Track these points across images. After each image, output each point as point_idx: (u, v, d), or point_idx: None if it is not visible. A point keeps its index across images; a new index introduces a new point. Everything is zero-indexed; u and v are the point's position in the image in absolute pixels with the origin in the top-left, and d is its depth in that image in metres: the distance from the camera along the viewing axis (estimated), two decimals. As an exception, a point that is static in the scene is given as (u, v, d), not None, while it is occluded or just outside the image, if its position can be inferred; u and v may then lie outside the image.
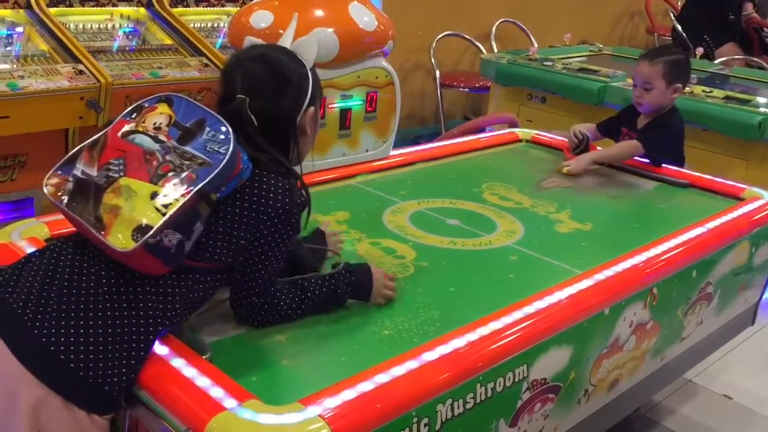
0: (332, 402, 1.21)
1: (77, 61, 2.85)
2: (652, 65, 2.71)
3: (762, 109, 3.32)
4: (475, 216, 2.17)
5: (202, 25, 3.44)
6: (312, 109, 1.49)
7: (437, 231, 2.02)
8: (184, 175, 1.27)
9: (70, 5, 3.15)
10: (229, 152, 1.30)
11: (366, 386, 1.26)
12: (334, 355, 1.43)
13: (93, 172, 1.29)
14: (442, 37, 4.93)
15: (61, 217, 1.88)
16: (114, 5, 3.25)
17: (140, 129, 1.33)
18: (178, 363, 1.29)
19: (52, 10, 3.06)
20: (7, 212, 2.83)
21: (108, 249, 1.25)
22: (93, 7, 3.19)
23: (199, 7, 3.48)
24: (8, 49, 2.89)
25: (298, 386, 1.30)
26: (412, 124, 5.10)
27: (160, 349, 1.32)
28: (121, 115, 1.38)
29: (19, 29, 2.96)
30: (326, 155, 2.35)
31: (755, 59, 5.20)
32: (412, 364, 1.33)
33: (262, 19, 2.22)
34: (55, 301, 1.27)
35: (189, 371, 1.27)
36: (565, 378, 1.61)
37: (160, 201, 1.24)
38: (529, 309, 1.57)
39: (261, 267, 1.41)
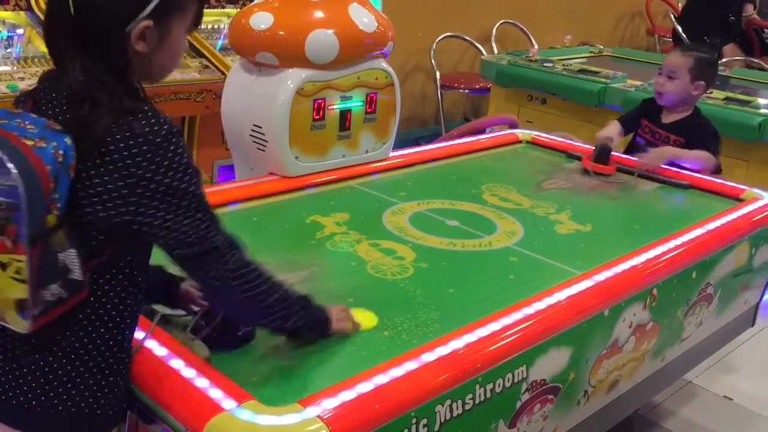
0: (331, 403, 1.21)
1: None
2: (682, 56, 2.75)
3: (762, 110, 3.33)
4: (474, 217, 2.17)
5: (202, 26, 3.45)
6: (148, 23, 1.15)
7: (437, 232, 2.02)
8: (5, 231, 1.06)
9: (71, 7, 3.15)
10: (21, 184, 1.04)
11: (365, 387, 1.26)
12: (333, 355, 1.43)
13: None
14: (443, 38, 4.94)
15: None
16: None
17: None
18: (177, 364, 1.29)
19: (53, 12, 3.06)
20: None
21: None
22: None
23: (199, 9, 3.49)
24: (9, 50, 2.90)
25: (296, 387, 1.30)
26: (413, 125, 5.10)
27: (158, 350, 1.32)
28: None
29: (20, 31, 2.97)
30: (326, 156, 2.35)
31: (755, 60, 5.21)
32: (411, 365, 1.33)
33: (262, 20, 2.22)
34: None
35: (188, 372, 1.27)
36: (565, 379, 1.61)
37: (8, 270, 1.08)
38: (529, 310, 1.57)
39: (187, 227, 1.16)
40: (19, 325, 1.12)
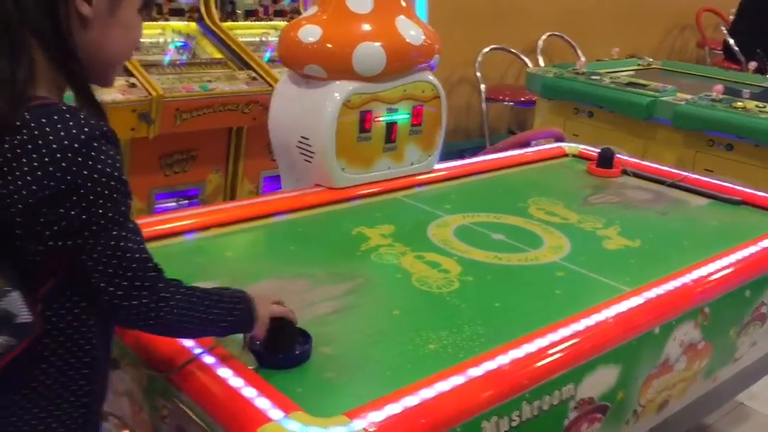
0: (377, 416, 1.20)
1: (130, 74, 2.92)
2: None
3: (819, 125, 3.24)
4: (520, 231, 2.15)
5: (251, 39, 3.50)
6: None
7: (482, 245, 2.01)
8: None
9: (124, 21, 3.23)
10: None
11: (411, 401, 1.25)
12: (378, 368, 1.43)
13: None
14: (488, 50, 4.93)
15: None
16: (166, 20, 3.32)
17: None
18: (225, 373, 1.30)
19: (107, 25, 3.14)
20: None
21: None
22: (145, 22, 3.27)
23: (248, 22, 3.54)
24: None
25: (342, 399, 1.29)
26: (457, 137, 5.09)
27: (207, 358, 1.33)
28: None
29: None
30: (371, 168, 2.36)
31: (810, 74, 5.06)
32: (457, 380, 1.32)
33: (310, 33, 2.25)
34: None
35: (235, 381, 1.28)
36: (613, 398, 1.58)
37: None
38: (577, 326, 1.54)
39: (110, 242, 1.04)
40: None
